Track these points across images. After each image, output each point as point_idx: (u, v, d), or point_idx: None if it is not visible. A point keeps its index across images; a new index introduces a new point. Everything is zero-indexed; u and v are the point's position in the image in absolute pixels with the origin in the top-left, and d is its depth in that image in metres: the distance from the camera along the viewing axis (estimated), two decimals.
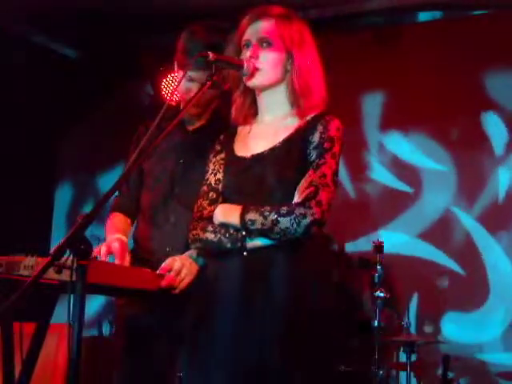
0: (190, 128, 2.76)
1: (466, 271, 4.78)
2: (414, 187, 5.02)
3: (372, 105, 5.27)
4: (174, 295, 2.28)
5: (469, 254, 4.78)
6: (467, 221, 4.82)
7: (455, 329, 4.73)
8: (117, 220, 2.74)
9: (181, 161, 2.70)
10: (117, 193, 2.77)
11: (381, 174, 5.15)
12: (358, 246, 5.00)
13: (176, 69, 2.75)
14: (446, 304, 4.80)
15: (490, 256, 4.73)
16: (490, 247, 4.74)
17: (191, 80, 2.62)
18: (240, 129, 2.37)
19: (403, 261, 4.89)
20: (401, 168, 5.09)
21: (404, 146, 5.11)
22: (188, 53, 2.60)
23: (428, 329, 4.75)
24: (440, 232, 4.89)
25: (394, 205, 5.05)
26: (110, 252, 2.44)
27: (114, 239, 2.51)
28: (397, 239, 4.92)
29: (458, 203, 4.86)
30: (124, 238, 2.59)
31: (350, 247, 5.03)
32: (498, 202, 4.76)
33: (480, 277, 4.71)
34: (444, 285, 4.80)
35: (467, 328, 4.70)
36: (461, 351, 4.61)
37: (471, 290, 4.73)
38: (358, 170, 5.21)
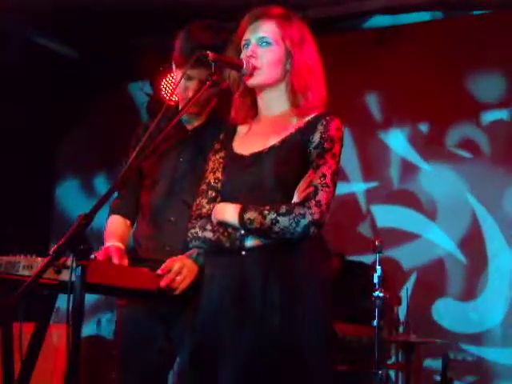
0: (189, 127, 2.76)
1: (468, 260, 4.80)
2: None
3: (371, 104, 5.27)
4: (173, 295, 2.28)
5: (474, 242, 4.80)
6: (478, 209, 4.83)
7: (454, 318, 4.75)
8: (115, 224, 2.73)
9: (180, 160, 2.70)
10: (116, 194, 2.78)
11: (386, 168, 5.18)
12: None
13: (174, 68, 2.75)
14: (444, 291, 4.82)
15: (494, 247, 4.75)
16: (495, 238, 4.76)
17: (189, 78, 2.61)
18: (240, 128, 2.37)
19: (404, 240, 4.93)
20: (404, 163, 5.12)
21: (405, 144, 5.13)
22: (185, 52, 2.59)
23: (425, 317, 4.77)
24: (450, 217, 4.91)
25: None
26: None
27: (109, 247, 2.51)
28: (403, 218, 4.95)
29: (471, 191, 4.87)
30: (120, 244, 2.58)
31: None
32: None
33: (481, 267, 4.73)
34: None
35: (466, 317, 4.72)
36: (461, 348, 4.63)
37: (471, 279, 4.75)
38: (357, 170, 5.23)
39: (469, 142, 4.94)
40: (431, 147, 5.04)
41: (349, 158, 5.10)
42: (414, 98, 5.04)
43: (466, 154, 4.92)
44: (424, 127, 5.09)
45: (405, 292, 4.59)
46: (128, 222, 2.76)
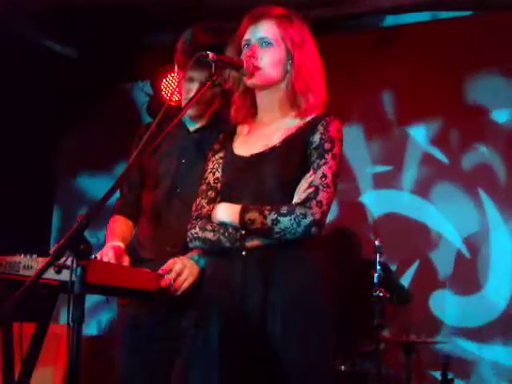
0: (192, 128, 2.77)
1: (471, 255, 4.81)
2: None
3: (370, 105, 5.27)
4: (174, 296, 2.28)
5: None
6: (488, 204, 4.84)
7: (455, 312, 4.76)
8: (116, 224, 2.73)
9: (183, 161, 2.71)
10: (118, 194, 2.78)
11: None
12: None
13: (176, 69, 2.75)
14: (446, 284, 4.83)
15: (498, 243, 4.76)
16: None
17: (191, 80, 2.62)
18: (239, 128, 2.37)
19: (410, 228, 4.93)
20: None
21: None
22: (188, 53, 2.60)
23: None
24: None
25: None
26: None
27: (109, 247, 2.51)
28: (413, 206, 4.96)
29: (481, 186, 4.88)
30: (121, 244, 2.58)
31: None
32: None
33: (484, 262, 4.74)
34: None
35: (467, 312, 4.73)
36: (461, 348, 4.64)
37: (473, 274, 4.76)
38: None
39: (477, 139, 4.94)
40: (438, 146, 5.04)
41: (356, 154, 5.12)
42: (414, 98, 5.04)
43: (475, 152, 4.92)
44: (429, 126, 5.09)
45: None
46: (130, 223, 2.77)
